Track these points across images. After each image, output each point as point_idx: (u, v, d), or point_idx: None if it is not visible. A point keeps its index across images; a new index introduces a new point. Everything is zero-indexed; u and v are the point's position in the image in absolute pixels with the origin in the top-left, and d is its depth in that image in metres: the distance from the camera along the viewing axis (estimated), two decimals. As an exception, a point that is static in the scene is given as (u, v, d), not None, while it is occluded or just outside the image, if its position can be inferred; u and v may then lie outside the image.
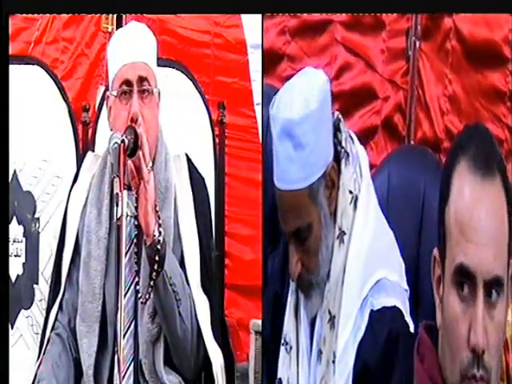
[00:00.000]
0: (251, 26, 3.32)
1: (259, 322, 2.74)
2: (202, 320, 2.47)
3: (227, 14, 3.29)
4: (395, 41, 2.67)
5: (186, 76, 2.97)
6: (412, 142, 2.55)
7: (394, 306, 2.09)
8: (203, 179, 2.66)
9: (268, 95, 2.38)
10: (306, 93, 2.12)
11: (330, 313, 2.20)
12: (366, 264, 2.13)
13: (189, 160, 2.64)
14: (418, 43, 2.50)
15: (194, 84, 2.98)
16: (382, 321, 2.00)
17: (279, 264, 2.35)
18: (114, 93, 2.51)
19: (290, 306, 2.33)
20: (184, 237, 2.52)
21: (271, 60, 2.70)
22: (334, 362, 2.18)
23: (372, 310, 2.11)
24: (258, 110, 3.35)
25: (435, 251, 1.56)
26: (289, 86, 2.17)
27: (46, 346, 2.54)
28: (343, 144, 2.20)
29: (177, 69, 2.96)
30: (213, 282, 2.61)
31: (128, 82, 2.50)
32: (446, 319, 1.50)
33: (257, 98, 3.35)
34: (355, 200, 2.17)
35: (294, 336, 2.29)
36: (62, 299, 2.57)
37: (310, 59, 2.68)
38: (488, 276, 1.49)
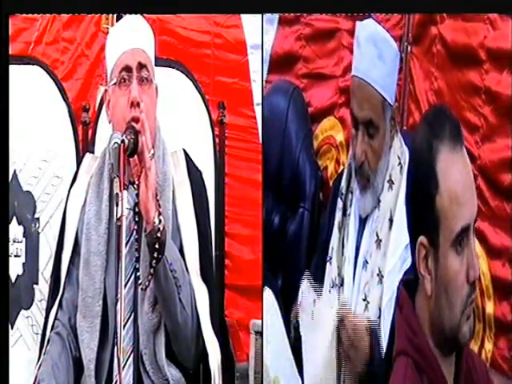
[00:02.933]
0: (251, 25, 3.32)
1: (259, 322, 2.74)
2: (200, 309, 2.48)
3: (227, 13, 3.29)
4: (391, 45, 3.06)
5: (186, 76, 2.97)
6: (404, 128, 2.86)
7: None
8: (201, 173, 2.67)
9: (287, 89, 2.96)
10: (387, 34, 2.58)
11: (377, 235, 2.55)
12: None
13: (186, 155, 2.65)
14: (409, 47, 2.88)
15: (194, 84, 2.98)
16: None
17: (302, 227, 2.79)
18: (114, 80, 2.52)
19: (337, 225, 2.64)
20: (183, 228, 2.53)
21: (289, 61, 3.10)
22: (378, 275, 2.50)
23: None
24: (258, 110, 3.35)
25: (421, 239, 1.81)
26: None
27: (47, 346, 2.54)
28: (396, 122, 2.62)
29: (177, 69, 2.96)
30: (211, 270, 2.62)
31: (128, 68, 2.51)
32: (442, 281, 1.78)
33: (257, 98, 3.35)
34: (401, 167, 2.55)
35: (338, 245, 2.60)
36: (61, 298, 2.57)
37: (322, 60, 3.09)
38: (473, 218, 1.81)
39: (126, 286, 2.46)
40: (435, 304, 1.81)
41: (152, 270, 2.41)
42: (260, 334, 2.77)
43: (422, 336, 1.80)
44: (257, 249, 3.17)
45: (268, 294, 2.49)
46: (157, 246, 2.38)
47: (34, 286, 2.96)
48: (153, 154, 2.44)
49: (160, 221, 2.39)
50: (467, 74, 2.71)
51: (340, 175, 2.78)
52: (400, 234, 2.46)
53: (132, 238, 2.50)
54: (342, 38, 3.05)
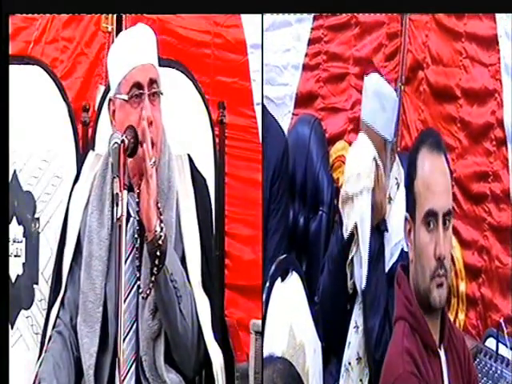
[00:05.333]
0: (251, 26, 3.32)
1: (259, 322, 2.73)
2: (202, 319, 2.47)
3: (227, 13, 3.28)
4: (389, 85, 3.73)
5: (186, 76, 2.97)
6: (398, 149, 3.48)
7: None
8: (205, 180, 2.66)
9: (309, 120, 3.66)
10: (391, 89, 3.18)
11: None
12: (400, 223, 2.75)
13: (191, 161, 2.64)
14: (402, 87, 3.61)
15: (194, 84, 2.97)
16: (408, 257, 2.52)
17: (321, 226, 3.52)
18: (125, 97, 2.48)
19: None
20: (185, 237, 2.52)
21: (311, 98, 3.82)
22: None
23: (402, 249, 3.04)
24: (258, 110, 3.35)
25: (406, 214, 2.35)
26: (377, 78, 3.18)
27: (48, 343, 2.53)
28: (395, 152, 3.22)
29: (177, 69, 2.96)
30: (213, 281, 2.61)
31: (139, 85, 2.48)
32: (417, 250, 2.31)
33: (257, 97, 3.35)
34: (398, 185, 3.15)
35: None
36: (63, 296, 2.56)
37: (335, 97, 3.79)
38: (444, 210, 2.30)
39: (127, 296, 2.47)
40: (414, 268, 2.33)
41: (153, 278, 2.40)
42: (260, 333, 2.77)
43: (415, 305, 2.31)
44: (257, 249, 3.17)
45: (295, 277, 2.77)
46: (158, 254, 2.37)
47: (34, 286, 2.96)
48: (154, 162, 2.42)
49: (161, 228, 2.38)
50: (446, 108, 3.40)
51: None
52: (392, 234, 3.09)
53: (133, 246, 2.49)
54: (350, 80, 3.73)
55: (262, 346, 2.63)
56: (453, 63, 3.38)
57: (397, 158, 3.22)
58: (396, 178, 3.18)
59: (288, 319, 2.69)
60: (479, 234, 3.26)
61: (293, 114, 3.80)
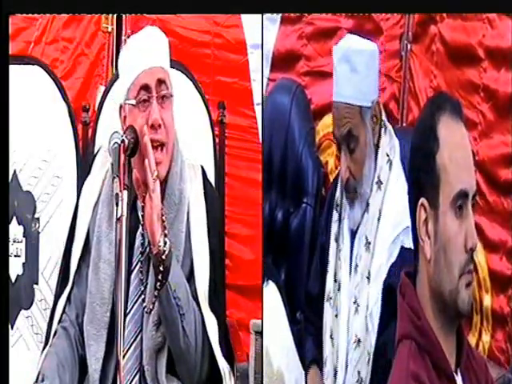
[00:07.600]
0: (251, 25, 3.32)
1: (259, 322, 2.73)
2: (209, 335, 2.45)
3: (227, 13, 3.28)
4: (391, 44, 3.12)
5: (186, 76, 2.97)
6: (404, 124, 2.98)
7: None
8: (217, 195, 2.65)
9: (290, 88, 3.04)
10: (365, 41, 2.62)
11: (366, 238, 2.64)
12: (398, 212, 2.52)
13: (203, 172, 2.62)
14: (409, 46, 2.99)
15: (194, 84, 2.97)
16: (409, 256, 2.08)
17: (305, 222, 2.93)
18: (133, 102, 2.46)
19: (333, 237, 2.75)
20: (195, 252, 2.49)
21: (291, 59, 3.18)
22: (368, 278, 2.60)
23: (402, 246, 2.50)
24: (258, 109, 3.34)
25: (422, 200, 1.86)
26: (351, 36, 2.68)
27: (53, 338, 2.52)
28: (383, 119, 2.65)
29: (177, 69, 2.96)
30: (220, 295, 2.59)
31: (147, 87, 2.45)
32: (441, 243, 1.85)
33: (257, 97, 3.35)
34: (390, 163, 2.61)
35: (335, 257, 2.70)
36: (70, 292, 2.55)
37: (323, 58, 3.14)
38: (473, 190, 1.87)
39: (133, 305, 2.46)
40: (435, 267, 1.86)
41: (156, 293, 2.37)
42: (260, 333, 2.77)
43: (424, 318, 1.86)
44: (257, 249, 3.16)
45: (271, 287, 2.52)
46: (161, 269, 2.34)
47: (34, 286, 2.96)
48: (157, 176, 2.38)
49: (165, 243, 2.35)
50: (466, 72, 2.79)
51: (334, 185, 2.85)
52: (387, 227, 2.58)
53: (138, 259, 2.48)
54: (342, 36, 3.00)
55: (262, 346, 2.62)
56: (474, 16, 2.74)
57: (388, 126, 2.69)
58: (387, 155, 2.65)
59: (263, 341, 2.49)
60: (508, 234, 2.67)
61: (268, 80, 3.25)
